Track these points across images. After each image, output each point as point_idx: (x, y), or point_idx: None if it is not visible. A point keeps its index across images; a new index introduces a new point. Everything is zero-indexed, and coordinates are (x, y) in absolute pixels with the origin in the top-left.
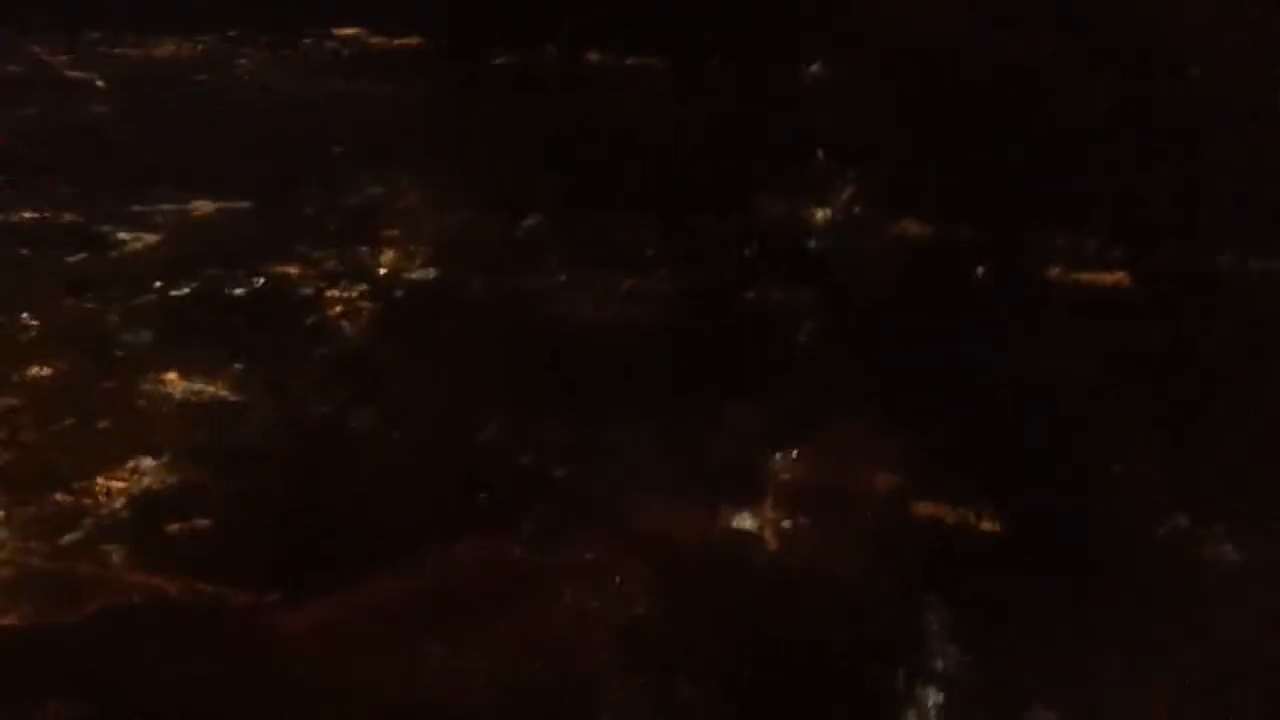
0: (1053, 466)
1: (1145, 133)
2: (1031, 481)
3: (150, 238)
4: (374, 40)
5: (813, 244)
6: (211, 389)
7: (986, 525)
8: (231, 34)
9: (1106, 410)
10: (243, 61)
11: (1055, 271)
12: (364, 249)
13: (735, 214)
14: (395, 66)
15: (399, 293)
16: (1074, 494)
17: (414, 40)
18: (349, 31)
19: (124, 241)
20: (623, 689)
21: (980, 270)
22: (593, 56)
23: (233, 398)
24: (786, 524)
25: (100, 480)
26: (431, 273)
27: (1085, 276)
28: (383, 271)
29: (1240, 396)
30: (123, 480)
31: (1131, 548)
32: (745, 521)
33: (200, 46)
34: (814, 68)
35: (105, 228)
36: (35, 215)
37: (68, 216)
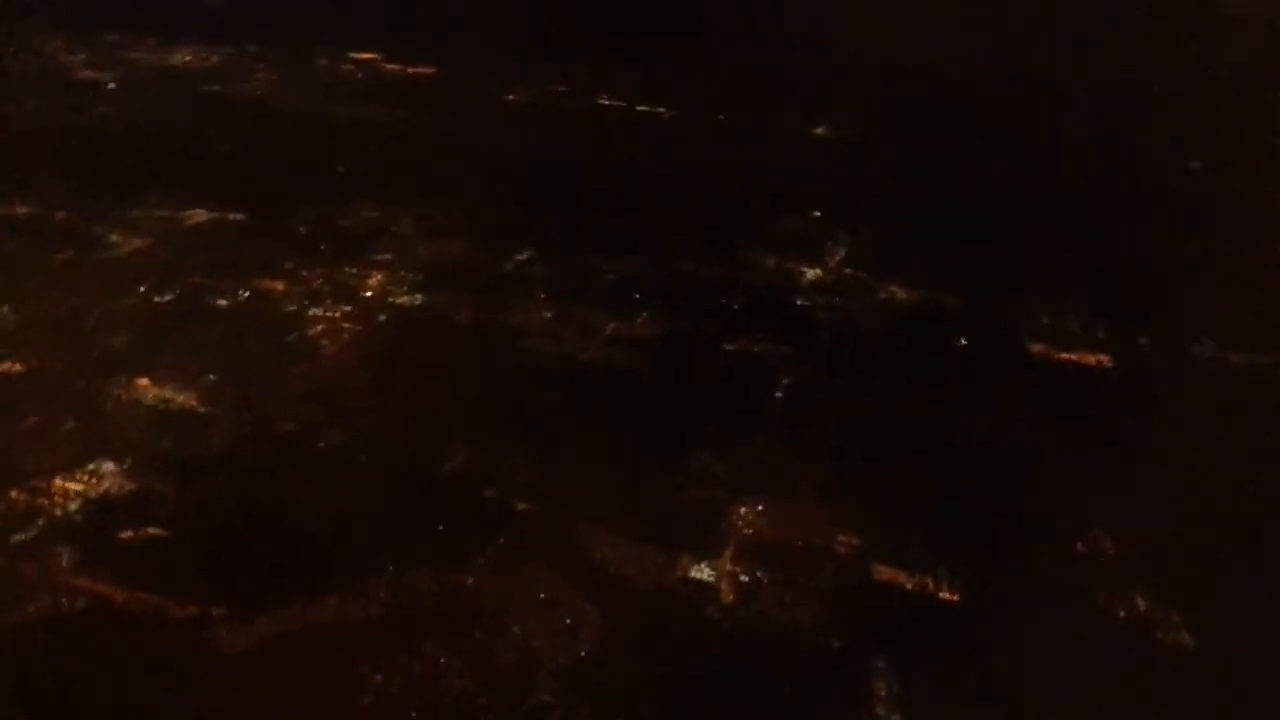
0: (1017, 541)
1: (1144, 213)
2: (994, 555)
3: (140, 242)
4: (389, 67)
5: (799, 301)
6: (181, 398)
7: (945, 595)
8: (250, 49)
9: (1076, 488)
10: (256, 76)
11: (1038, 347)
12: (353, 270)
13: (725, 265)
14: (406, 94)
15: (382, 317)
16: (1036, 570)
17: (428, 70)
18: (365, 56)
19: (114, 244)
20: None
21: (963, 340)
22: (603, 100)
23: (201, 408)
24: (744, 577)
25: (58, 481)
26: (418, 299)
27: (1067, 355)
28: (369, 295)
29: (1211, 487)
30: (80, 483)
31: (1086, 629)
32: (703, 572)
33: (216, 58)
34: (820, 129)
35: (97, 229)
36: (28, 211)
37: (61, 214)
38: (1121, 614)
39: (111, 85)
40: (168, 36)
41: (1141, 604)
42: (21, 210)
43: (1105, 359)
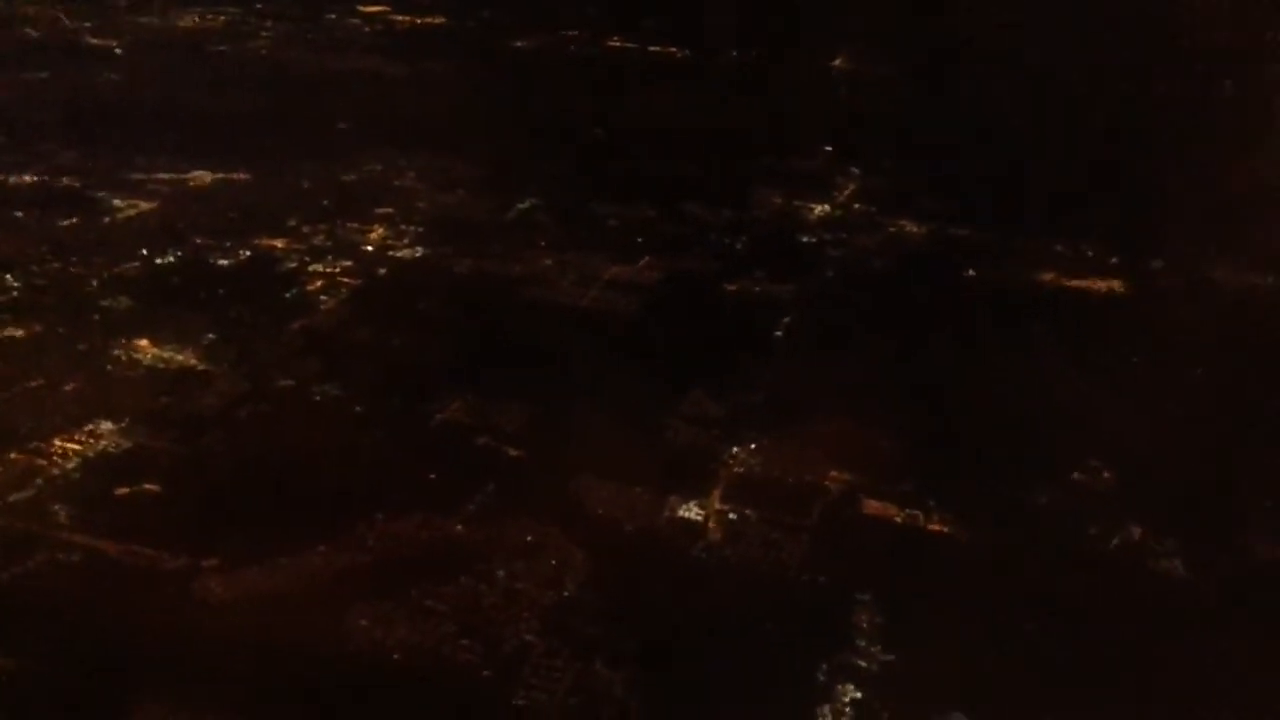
0: (1012, 474)
1: (1150, 141)
2: (987, 485)
3: (144, 205)
4: (398, 19)
5: (805, 239)
6: (180, 357)
7: (934, 526)
8: (258, 6)
9: (1074, 418)
10: (263, 35)
11: (1048, 277)
12: (354, 225)
13: (731, 206)
14: (415, 46)
15: (382, 270)
16: (1028, 500)
17: (438, 20)
18: (374, 9)
19: (117, 208)
20: (540, 669)
21: (970, 272)
22: (614, 43)
23: (200, 367)
24: (733, 515)
25: (57, 441)
26: (418, 251)
27: (1076, 283)
28: (369, 249)
29: (1219, 409)
30: (78, 443)
31: (1078, 558)
32: (691, 511)
33: (223, 19)
34: (837, 61)
35: (101, 194)
36: (34, 179)
37: (65, 181)
38: (1115, 543)
39: (118, 50)
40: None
41: (1135, 533)
42: (28, 178)
43: (1116, 285)
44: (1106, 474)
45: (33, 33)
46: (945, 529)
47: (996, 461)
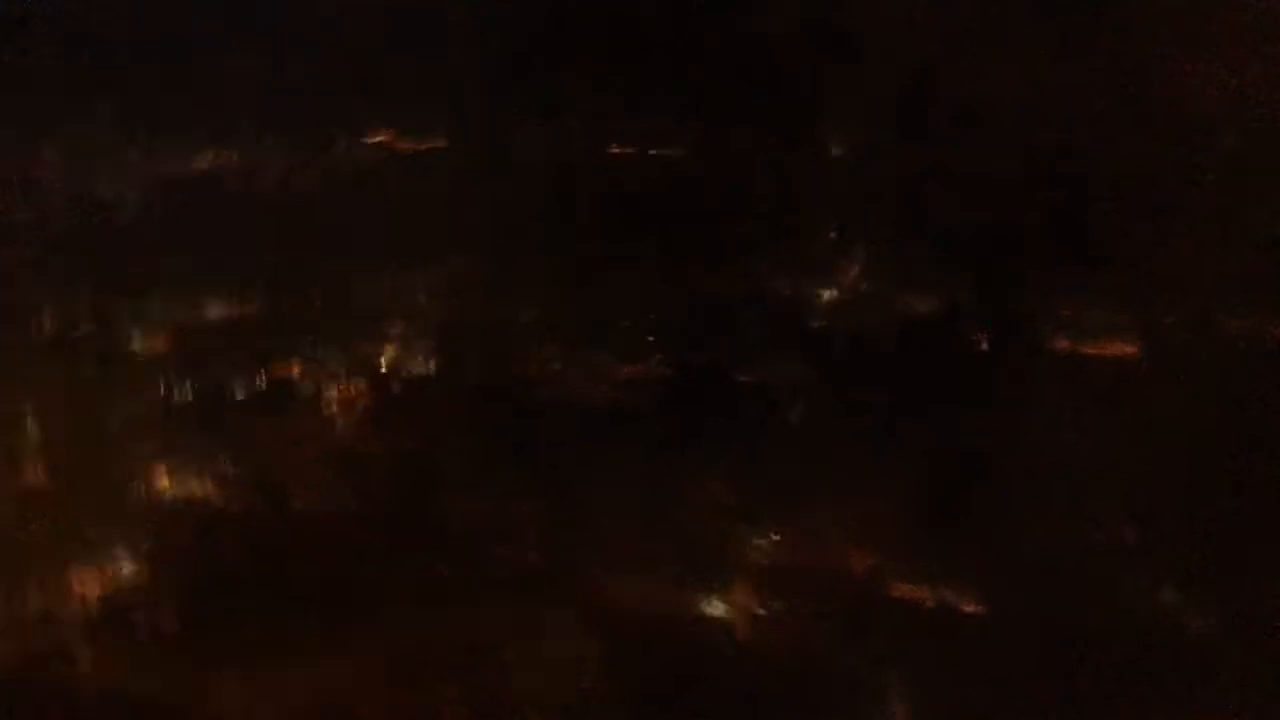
0: (1036, 540)
1: (1150, 199)
2: (1012, 557)
3: (161, 342)
4: (402, 144)
5: (814, 323)
6: (198, 488)
7: (963, 605)
8: (268, 141)
9: (1095, 480)
10: (273, 168)
11: (1060, 342)
12: (366, 343)
13: (738, 295)
14: (419, 167)
15: (395, 385)
16: (1055, 569)
17: (440, 143)
18: (380, 138)
19: (135, 347)
20: None
21: (983, 344)
22: (615, 149)
23: (218, 495)
24: (755, 606)
25: (76, 578)
26: (430, 364)
27: (1087, 344)
28: (382, 366)
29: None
30: (98, 580)
31: (1111, 626)
32: (712, 603)
33: (236, 155)
34: (835, 141)
35: (119, 335)
36: (53, 327)
37: (85, 328)
38: (1147, 606)
39: (132, 196)
40: (190, 137)
41: (1170, 594)
42: (48, 326)
43: (1127, 343)
44: (1132, 535)
45: (48, 188)
46: (974, 607)
47: (1020, 531)
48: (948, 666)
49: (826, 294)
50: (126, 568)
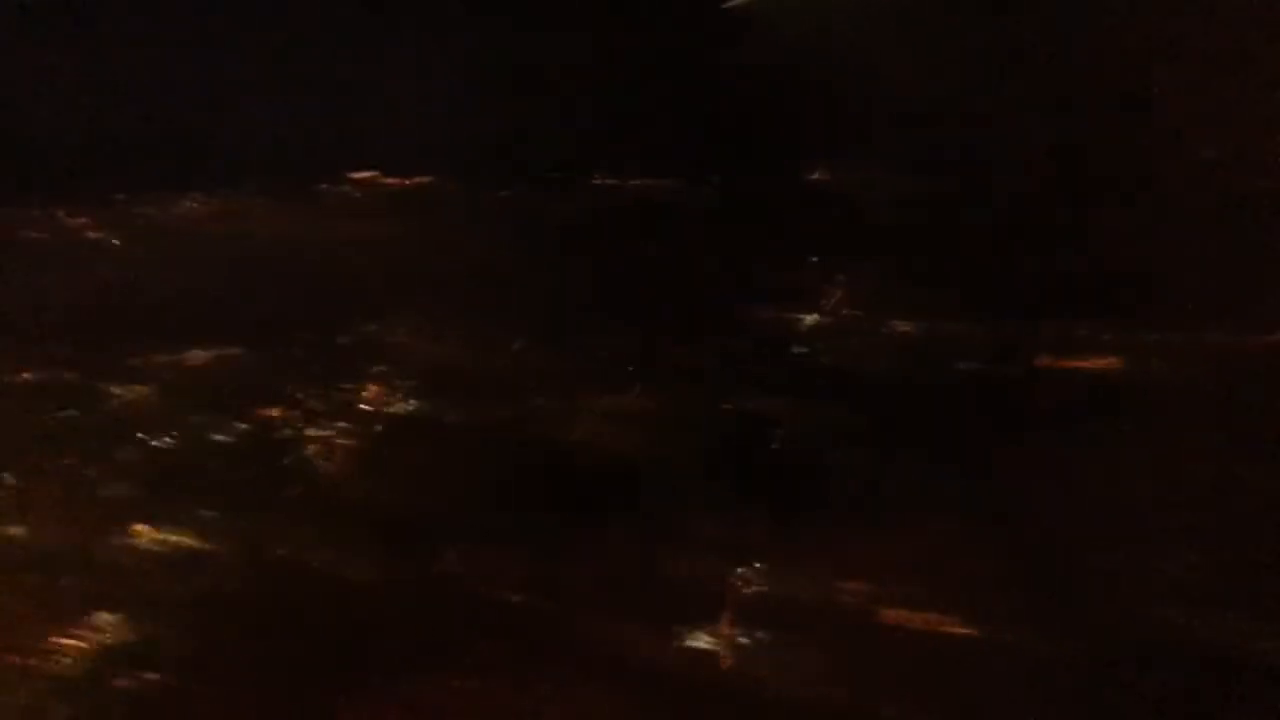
0: (1029, 563)
1: (1129, 214)
2: (1007, 583)
3: (141, 390)
4: (388, 181)
5: (796, 350)
6: (178, 538)
7: (956, 630)
8: (251, 184)
9: (1087, 501)
10: (257, 212)
11: (1042, 361)
12: (348, 386)
13: (719, 326)
14: (403, 206)
15: (377, 427)
16: (1053, 593)
17: (426, 179)
18: (363, 175)
19: (114, 396)
20: None
21: (966, 366)
22: (598, 181)
23: (199, 546)
24: (743, 639)
25: (53, 638)
26: (411, 405)
27: (1072, 364)
28: (364, 408)
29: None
30: (77, 637)
31: (1108, 652)
32: (700, 639)
33: (218, 201)
34: (815, 175)
35: (99, 384)
36: (30, 378)
37: (64, 375)
38: (1140, 631)
39: (116, 242)
40: (169, 187)
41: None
42: (25, 376)
43: (1113, 361)
44: (1125, 557)
45: (35, 235)
46: (968, 631)
47: (1013, 555)
48: (942, 695)
49: (808, 319)
50: (106, 620)
